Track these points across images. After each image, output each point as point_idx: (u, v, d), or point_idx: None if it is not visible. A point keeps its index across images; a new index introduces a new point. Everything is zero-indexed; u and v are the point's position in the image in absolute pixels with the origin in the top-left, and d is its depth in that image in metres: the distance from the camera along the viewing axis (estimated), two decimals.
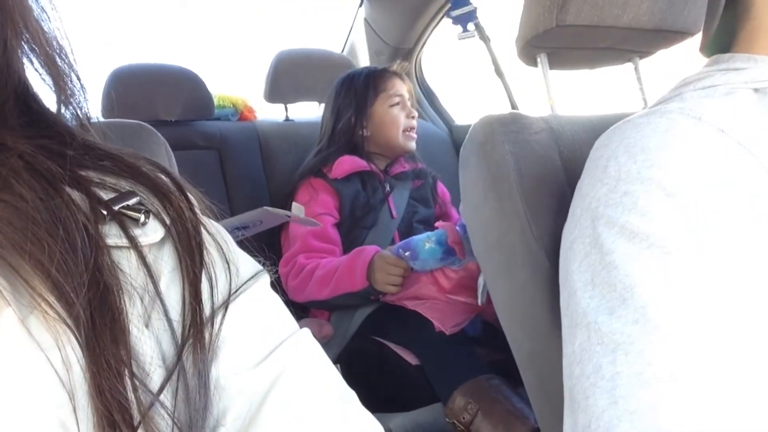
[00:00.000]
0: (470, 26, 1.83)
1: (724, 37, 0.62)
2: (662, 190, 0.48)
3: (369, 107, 1.62)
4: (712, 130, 0.51)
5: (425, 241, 1.34)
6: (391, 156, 1.67)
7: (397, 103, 1.64)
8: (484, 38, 1.87)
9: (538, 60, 0.93)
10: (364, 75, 1.67)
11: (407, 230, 1.61)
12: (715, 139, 0.50)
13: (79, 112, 0.37)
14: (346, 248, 1.53)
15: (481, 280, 1.28)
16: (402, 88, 1.66)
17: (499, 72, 1.91)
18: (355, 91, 1.64)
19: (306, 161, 1.67)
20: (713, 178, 0.48)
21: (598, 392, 0.46)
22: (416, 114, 1.67)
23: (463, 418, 1.16)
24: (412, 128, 1.65)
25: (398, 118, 1.63)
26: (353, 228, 1.56)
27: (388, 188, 1.62)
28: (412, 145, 1.66)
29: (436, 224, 1.38)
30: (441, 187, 1.77)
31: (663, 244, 0.47)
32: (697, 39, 0.78)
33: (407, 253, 1.35)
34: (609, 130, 0.58)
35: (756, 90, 0.55)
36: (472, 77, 2.30)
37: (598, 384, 0.46)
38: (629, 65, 1.01)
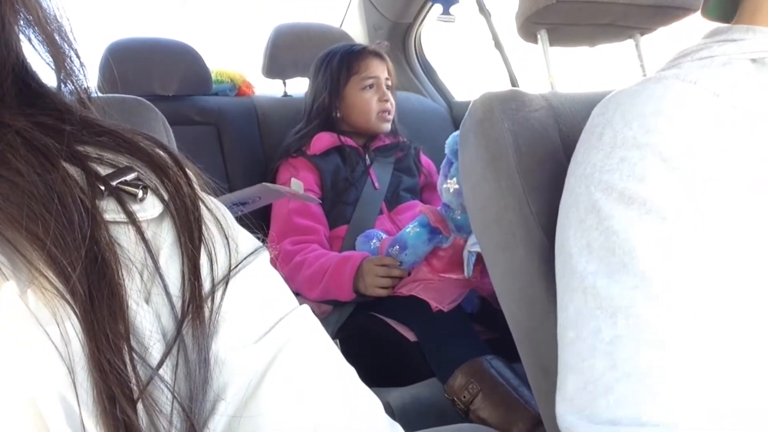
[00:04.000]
0: (452, 10, 1.81)
1: (729, 2, 0.61)
2: (658, 156, 0.48)
3: (342, 89, 1.62)
4: (707, 94, 0.51)
5: (409, 230, 1.36)
6: (367, 135, 1.67)
7: (371, 86, 1.62)
8: (485, 13, 1.85)
9: (538, 36, 0.92)
10: (339, 55, 1.64)
11: (394, 199, 1.63)
12: (709, 103, 0.50)
13: (79, 89, 0.37)
14: (332, 225, 1.54)
15: (465, 253, 1.29)
16: (377, 69, 1.63)
17: (498, 46, 1.90)
18: (331, 72, 1.63)
19: (285, 141, 1.67)
20: (710, 144, 0.48)
21: (596, 354, 0.46)
22: (390, 97, 1.64)
23: (464, 397, 1.17)
24: (385, 111, 1.63)
25: (370, 102, 1.62)
26: (336, 203, 1.57)
27: (368, 161, 1.62)
28: (386, 126, 1.65)
29: (417, 209, 1.39)
30: (424, 158, 1.78)
31: (661, 210, 0.47)
32: (698, 16, 0.77)
33: (396, 248, 1.36)
34: (605, 99, 0.58)
35: (754, 60, 0.55)
36: (474, 54, 2.28)
37: (596, 347, 0.46)
38: (630, 42, 1.00)
